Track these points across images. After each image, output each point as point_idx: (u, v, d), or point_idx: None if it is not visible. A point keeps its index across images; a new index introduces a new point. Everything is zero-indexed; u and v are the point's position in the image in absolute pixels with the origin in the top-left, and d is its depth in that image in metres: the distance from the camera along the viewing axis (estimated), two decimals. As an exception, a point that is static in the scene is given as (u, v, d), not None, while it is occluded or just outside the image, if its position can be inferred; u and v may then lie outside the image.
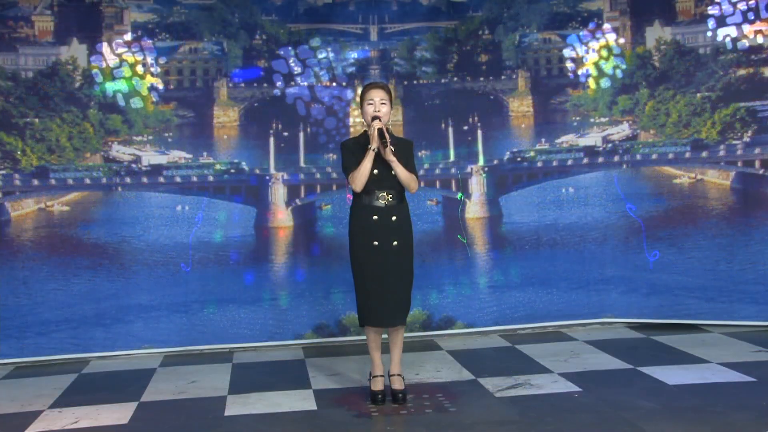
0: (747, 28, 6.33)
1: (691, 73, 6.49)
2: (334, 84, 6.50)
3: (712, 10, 6.40)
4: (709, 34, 6.42)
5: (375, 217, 4.61)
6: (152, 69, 6.29)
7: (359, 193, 4.64)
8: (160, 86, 6.26)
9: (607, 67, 6.62)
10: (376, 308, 4.59)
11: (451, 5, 6.64)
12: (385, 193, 4.63)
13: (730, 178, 6.47)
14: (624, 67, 6.60)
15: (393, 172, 4.60)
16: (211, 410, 4.69)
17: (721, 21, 6.41)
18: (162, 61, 6.28)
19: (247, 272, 6.35)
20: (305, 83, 6.45)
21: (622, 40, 6.60)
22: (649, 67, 6.58)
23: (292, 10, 6.50)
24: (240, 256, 6.36)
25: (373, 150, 4.55)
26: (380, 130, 4.52)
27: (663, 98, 6.55)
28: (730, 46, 6.37)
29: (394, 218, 4.62)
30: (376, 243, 4.60)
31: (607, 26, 6.62)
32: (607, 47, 6.62)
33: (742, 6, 6.35)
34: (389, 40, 6.61)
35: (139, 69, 6.25)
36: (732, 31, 6.36)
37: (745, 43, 6.34)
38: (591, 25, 6.63)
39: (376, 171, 4.59)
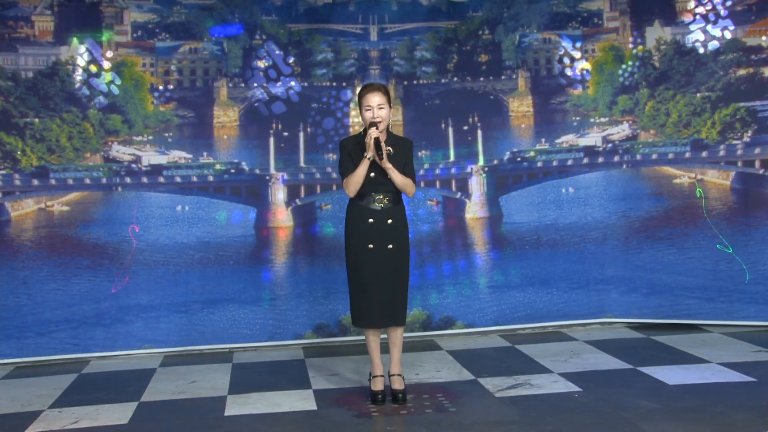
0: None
1: (691, 73, 6.49)
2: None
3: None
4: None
5: (371, 220, 4.61)
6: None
7: (356, 195, 4.64)
8: (118, 82, 6.24)
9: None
10: (370, 309, 4.60)
11: (451, 5, 6.64)
12: (381, 196, 4.62)
13: (730, 178, 6.48)
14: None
15: (388, 175, 4.60)
16: (211, 410, 4.69)
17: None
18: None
19: (248, 272, 6.34)
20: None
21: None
22: (649, 67, 6.58)
23: (292, 10, 6.50)
24: (240, 256, 6.35)
25: (369, 159, 4.54)
26: (377, 140, 4.50)
27: (663, 98, 6.55)
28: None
29: (389, 221, 4.62)
30: (371, 246, 4.60)
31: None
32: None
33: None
34: (389, 40, 6.61)
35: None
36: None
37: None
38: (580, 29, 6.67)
39: (372, 174, 4.58)
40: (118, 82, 6.22)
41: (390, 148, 4.60)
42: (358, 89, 6.41)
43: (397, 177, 4.58)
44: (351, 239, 4.67)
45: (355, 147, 4.63)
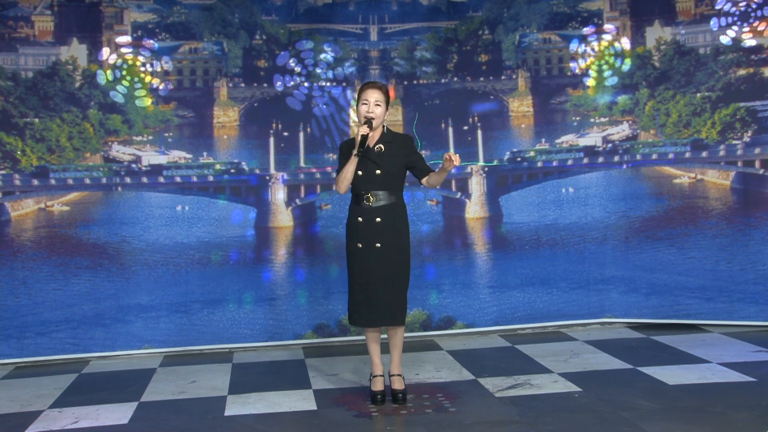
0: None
1: (691, 73, 6.49)
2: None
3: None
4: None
5: (360, 218, 4.60)
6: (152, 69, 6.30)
7: (352, 195, 4.66)
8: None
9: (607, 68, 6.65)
10: (363, 308, 4.59)
11: (451, 5, 6.64)
12: (369, 195, 4.61)
13: (730, 178, 6.47)
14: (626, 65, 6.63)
15: (377, 172, 4.57)
16: (211, 410, 4.69)
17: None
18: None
19: (247, 272, 6.34)
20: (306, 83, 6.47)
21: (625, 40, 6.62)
22: (649, 67, 6.58)
23: (292, 10, 6.50)
24: (240, 256, 6.36)
25: (356, 155, 4.52)
26: (363, 136, 4.50)
27: (663, 98, 6.55)
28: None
29: (378, 220, 4.58)
30: (360, 245, 4.60)
31: (609, 26, 6.64)
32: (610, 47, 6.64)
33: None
34: (389, 40, 6.61)
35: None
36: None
37: (728, 39, 6.39)
38: (592, 27, 6.66)
39: (360, 172, 4.57)
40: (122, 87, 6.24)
41: (381, 145, 4.59)
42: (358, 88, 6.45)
43: (440, 177, 4.61)
44: (347, 238, 4.70)
45: (350, 148, 4.64)
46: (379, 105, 4.57)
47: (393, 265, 4.61)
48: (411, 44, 6.61)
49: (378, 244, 4.58)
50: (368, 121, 4.53)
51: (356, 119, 6.46)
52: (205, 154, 6.40)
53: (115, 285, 6.17)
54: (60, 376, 5.63)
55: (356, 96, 4.70)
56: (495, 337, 6.35)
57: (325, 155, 6.49)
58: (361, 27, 6.59)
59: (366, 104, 4.57)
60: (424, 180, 4.67)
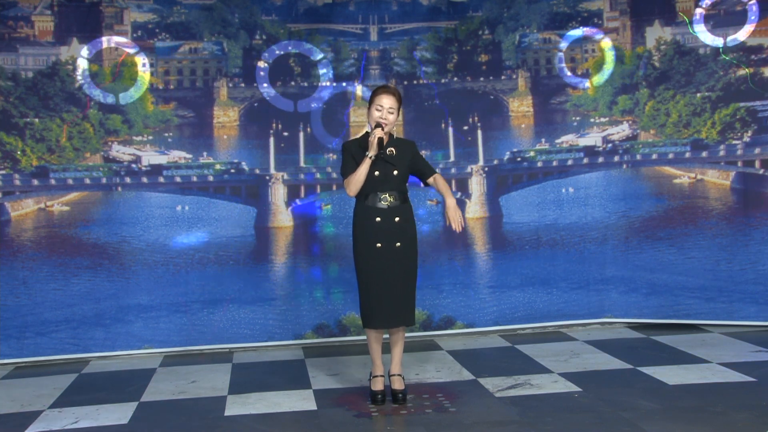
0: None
1: (691, 73, 6.49)
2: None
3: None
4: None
5: (378, 218, 4.59)
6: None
7: (361, 195, 4.63)
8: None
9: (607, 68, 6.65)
10: (380, 310, 4.57)
11: (451, 5, 6.64)
12: (387, 195, 4.62)
13: (730, 178, 6.47)
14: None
15: (395, 173, 4.60)
16: (211, 410, 4.69)
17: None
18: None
19: (247, 272, 6.34)
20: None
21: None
22: (649, 67, 6.58)
23: (292, 10, 6.50)
24: (240, 256, 6.36)
25: (371, 158, 4.54)
26: (380, 139, 4.51)
27: (663, 98, 6.55)
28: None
29: (397, 219, 4.61)
30: (379, 245, 4.58)
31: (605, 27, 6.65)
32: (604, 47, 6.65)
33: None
34: (389, 40, 6.61)
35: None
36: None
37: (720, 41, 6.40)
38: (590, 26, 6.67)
39: (377, 173, 4.58)
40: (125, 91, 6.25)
41: (393, 149, 4.61)
42: (359, 88, 6.46)
43: (444, 190, 4.69)
44: (359, 239, 4.64)
45: (358, 149, 4.63)
46: (392, 112, 4.59)
47: (410, 264, 4.66)
48: (411, 44, 6.61)
49: (398, 244, 4.60)
50: (379, 125, 4.54)
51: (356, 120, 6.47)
52: (205, 154, 6.40)
53: (115, 285, 6.17)
54: (60, 376, 5.63)
55: (370, 98, 4.68)
56: (495, 337, 6.35)
57: (325, 155, 6.49)
58: (361, 27, 6.59)
59: (380, 110, 4.58)
60: (430, 180, 4.73)
